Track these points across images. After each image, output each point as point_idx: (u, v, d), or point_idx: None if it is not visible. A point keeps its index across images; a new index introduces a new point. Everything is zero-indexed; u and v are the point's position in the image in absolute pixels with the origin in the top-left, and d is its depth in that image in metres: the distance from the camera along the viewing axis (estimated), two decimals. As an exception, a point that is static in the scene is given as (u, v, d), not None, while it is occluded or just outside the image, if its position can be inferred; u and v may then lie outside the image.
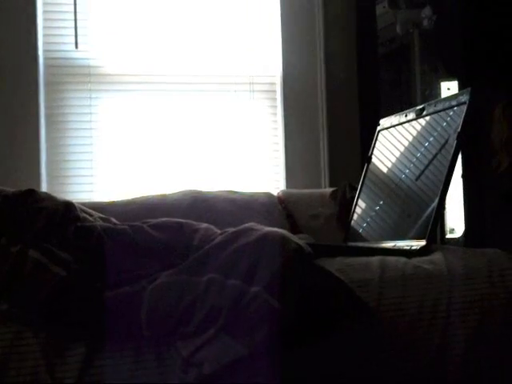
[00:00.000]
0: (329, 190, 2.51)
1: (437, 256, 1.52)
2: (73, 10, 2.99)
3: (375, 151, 2.11)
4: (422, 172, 1.79)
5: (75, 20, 2.99)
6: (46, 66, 3.00)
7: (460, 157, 1.95)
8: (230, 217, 2.20)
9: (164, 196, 2.34)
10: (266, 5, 3.22)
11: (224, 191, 2.44)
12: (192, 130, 3.13)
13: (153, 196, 2.35)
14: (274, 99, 3.22)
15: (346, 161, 3.12)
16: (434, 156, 1.76)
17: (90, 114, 3.05)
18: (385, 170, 2.02)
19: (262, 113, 3.22)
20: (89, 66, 3.04)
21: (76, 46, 3.02)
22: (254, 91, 3.19)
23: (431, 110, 1.87)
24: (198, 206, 2.28)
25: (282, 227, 1.85)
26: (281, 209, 2.44)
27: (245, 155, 3.19)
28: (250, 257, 1.28)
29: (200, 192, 2.38)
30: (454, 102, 1.77)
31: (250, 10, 3.21)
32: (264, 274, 1.25)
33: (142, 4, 3.12)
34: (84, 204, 1.59)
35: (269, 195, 2.51)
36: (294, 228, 2.32)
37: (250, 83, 3.18)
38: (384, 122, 2.13)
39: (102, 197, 2.85)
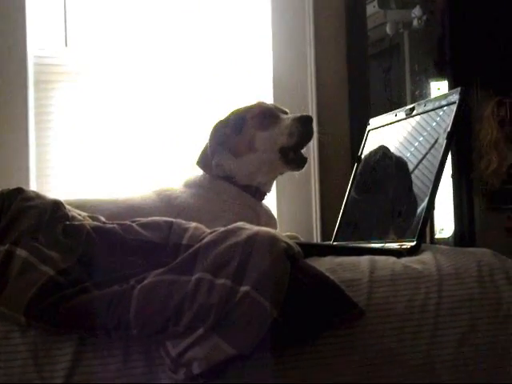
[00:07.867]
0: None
1: (426, 256, 1.52)
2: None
3: (365, 151, 2.10)
4: (412, 172, 1.79)
5: (65, 17, 2.98)
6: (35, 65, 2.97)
7: (450, 157, 1.95)
8: None
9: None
10: (257, 5, 3.21)
11: None
12: (179, 128, 3.10)
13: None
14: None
15: (336, 160, 3.12)
16: (424, 156, 1.76)
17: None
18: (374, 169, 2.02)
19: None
20: (78, 65, 3.02)
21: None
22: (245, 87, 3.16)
23: (421, 109, 1.87)
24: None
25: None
26: None
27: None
28: (239, 256, 1.28)
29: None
30: (443, 102, 1.77)
31: (242, 13, 3.20)
32: (253, 274, 1.25)
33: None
34: (70, 202, 1.58)
35: None
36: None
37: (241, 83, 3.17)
38: (374, 122, 2.13)
39: (91, 195, 2.82)
